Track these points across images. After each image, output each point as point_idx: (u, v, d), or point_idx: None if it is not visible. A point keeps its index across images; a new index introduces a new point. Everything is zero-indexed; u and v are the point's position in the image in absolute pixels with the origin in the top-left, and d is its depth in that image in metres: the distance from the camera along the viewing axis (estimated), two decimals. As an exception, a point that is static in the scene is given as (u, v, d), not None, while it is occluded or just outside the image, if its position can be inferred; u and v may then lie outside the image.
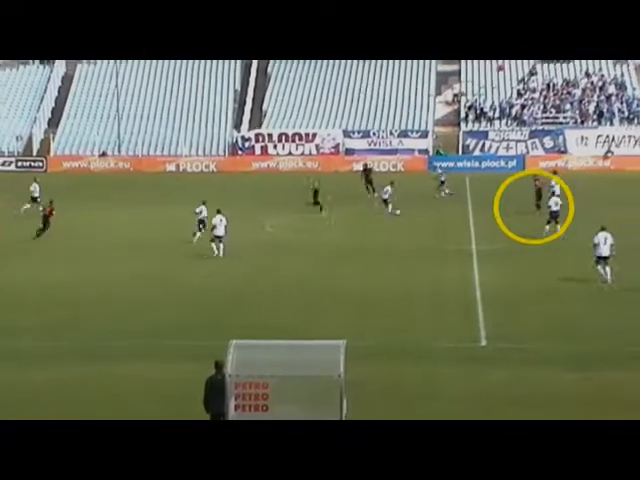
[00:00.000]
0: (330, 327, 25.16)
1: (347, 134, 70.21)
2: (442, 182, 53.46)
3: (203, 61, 77.45)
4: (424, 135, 69.85)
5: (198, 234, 36.66)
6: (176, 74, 76.79)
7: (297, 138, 70.15)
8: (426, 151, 69.15)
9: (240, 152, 70.25)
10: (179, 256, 35.50)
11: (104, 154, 70.35)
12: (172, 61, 77.67)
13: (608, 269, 29.90)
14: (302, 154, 69.49)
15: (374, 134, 70.03)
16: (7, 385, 20.82)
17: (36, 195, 44.43)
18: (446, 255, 35.94)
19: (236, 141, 70.59)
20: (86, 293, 29.80)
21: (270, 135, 70.35)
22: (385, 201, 45.11)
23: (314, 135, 70.15)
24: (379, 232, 40.98)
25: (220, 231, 34.48)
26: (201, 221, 37.01)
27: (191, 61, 77.50)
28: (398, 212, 44.26)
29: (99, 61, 78.22)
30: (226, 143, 71.28)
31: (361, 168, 56.47)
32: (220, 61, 77.52)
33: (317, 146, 69.88)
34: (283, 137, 70.22)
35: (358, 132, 70.47)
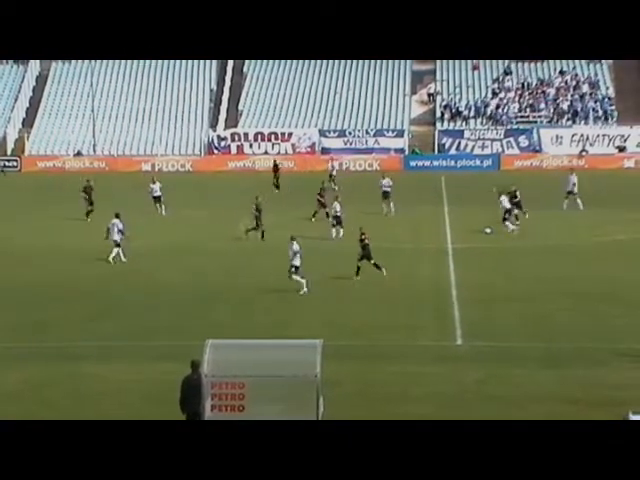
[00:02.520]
0: (304, 326, 25.15)
1: (323, 133, 70.23)
2: (331, 176, 53.94)
3: (179, 60, 77.20)
4: (400, 134, 69.99)
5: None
6: (152, 73, 76.53)
7: (273, 137, 70.10)
8: (402, 150, 69.28)
9: (216, 151, 70.11)
10: (156, 255, 35.37)
11: (79, 154, 69.97)
12: (148, 60, 77.41)
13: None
14: (278, 153, 69.40)
15: (350, 133, 70.09)
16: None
17: (158, 194, 43.84)
18: (421, 254, 36.02)
19: (212, 140, 70.44)
20: (55, 294, 29.62)
21: (246, 134, 70.25)
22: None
23: (290, 134, 70.13)
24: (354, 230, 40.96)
25: (115, 236, 34.00)
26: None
27: (167, 60, 77.29)
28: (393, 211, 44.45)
29: (74, 60, 77.84)
30: (202, 142, 71.10)
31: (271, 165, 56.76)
32: (196, 60, 77.32)
33: (293, 145, 69.87)
34: (259, 136, 70.15)
35: (334, 131, 70.51)
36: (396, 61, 76.37)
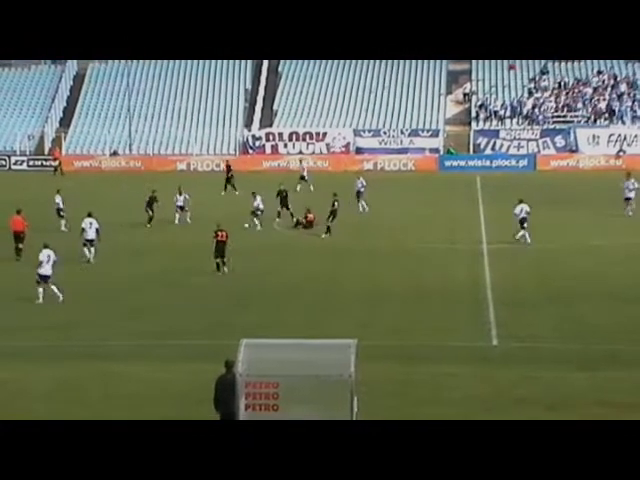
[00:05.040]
0: (340, 326, 25.14)
1: (357, 133, 70.15)
2: (302, 177, 54.24)
3: (214, 60, 77.52)
4: (435, 134, 69.75)
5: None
6: (187, 73, 76.87)
7: (307, 137, 70.14)
8: (437, 150, 69.04)
9: (251, 151, 70.28)
10: (184, 256, 35.51)
11: (115, 153, 70.47)
12: (183, 60, 77.81)
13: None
14: (312, 153, 69.45)
15: (385, 133, 69.96)
16: (12, 384, 20.85)
17: (180, 204, 43.20)
18: (457, 254, 35.88)
19: (247, 140, 70.63)
20: (93, 293, 29.83)
21: (281, 134, 70.35)
22: (358, 194, 45.07)
23: (324, 134, 70.13)
24: (388, 230, 40.95)
25: (91, 235, 33.77)
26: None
27: (202, 60, 77.62)
28: (367, 209, 44.37)
29: (110, 60, 78.43)
30: (237, 142, 71.32)
31: (224, 166, 56.90)
32: (231, 60, 77.57)
33: (327, 145, 69.85)
34: (294, 136, 70.22)
35: (369, 131, 70.42)
36: (432, 61, 76.10)
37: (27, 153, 70.47)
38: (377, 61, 76.51)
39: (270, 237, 39.38)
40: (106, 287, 30.55)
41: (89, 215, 34.50)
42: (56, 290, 27.80)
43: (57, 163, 66.66)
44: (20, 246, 34.41)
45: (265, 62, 76.61)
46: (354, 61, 76.48)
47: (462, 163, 67.28)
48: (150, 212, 41.33)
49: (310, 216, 41.12)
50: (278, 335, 20.77)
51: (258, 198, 41.79)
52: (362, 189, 46.20)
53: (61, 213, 40.03)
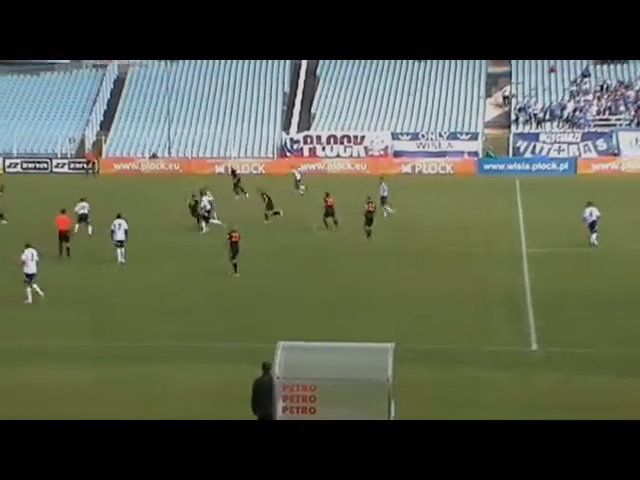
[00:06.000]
0: (377, 329, 25.02)
1: (396, 136, 69.99)
2: (298, 180, 54.62)
3: (252, 63, 77.76)
4: (474, 137, 69.40)
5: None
6: (226, 76, 77.21)
7: (345, 140, 70.12)
8: (476, 153, 68.69)
9: (288, 154, 70.38)
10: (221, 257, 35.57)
11: (154, 156, 70.91)
12: (222, 63, 78.12)
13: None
14: (350, 156, 69.42)
15: (423, 136, 69.74)
16: (52, 385, 20.97)
17: (208, 211, 43.04)
18: (495, 257, 35.60)
19: (285, 143, 70.74)
20: (128, 294, 29.97)
21: (319, 137, 70.39)
22: (383, 200, 44.91)
23: (362, 137, 70.06)
24: (426, 233, 40.75)
25: (119, 236, 33.98)
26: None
27: (241, 63, 77.92)
28: (392, 210, 44.20)
29: (150, 63, 78.97)
30: (275, 145, 71.46)
31: (230, 172, 56.90)
32: (269, 63, 77.76)
33: (366, 148, 69.77)
34: (331, 139, 70.23)
35: (407, 134, 70.23)
36: (471, 63, 75.75)
37: (68, 156, 71.15)
38: (415, 63, 76.31)
39: (303, 238, 39.35)
40: (139, 288, 30.67)
41: (118, 216, 34.76)
42: (38, 289, 27.85)
43: (91, 166, 67.24)
44: (67, 245, 34.88)
45: (303, 65, 76.71)
46: (392, 64, 76.33)
47: (501, 166, 66.87)
48: (200, 217, 41.36)
49: (330, 200, 40.86)
50: (313, 338, 20.70)
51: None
52: (385, 194, 45.69)
53: (87, 220, 40.09)
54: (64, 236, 35.04)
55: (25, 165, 69.94)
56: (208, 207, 41.65)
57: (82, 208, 40.19)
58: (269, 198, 43.50)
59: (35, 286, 27.89)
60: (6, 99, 77.14)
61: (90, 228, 39.85)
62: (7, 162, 69.98)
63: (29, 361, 22.70)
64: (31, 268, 27.92)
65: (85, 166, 68.03)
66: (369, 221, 39.04)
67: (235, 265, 31.95)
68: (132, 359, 22.98)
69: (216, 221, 41.87)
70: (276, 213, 43.13)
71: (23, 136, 72.52)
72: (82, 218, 39.97)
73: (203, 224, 41.10)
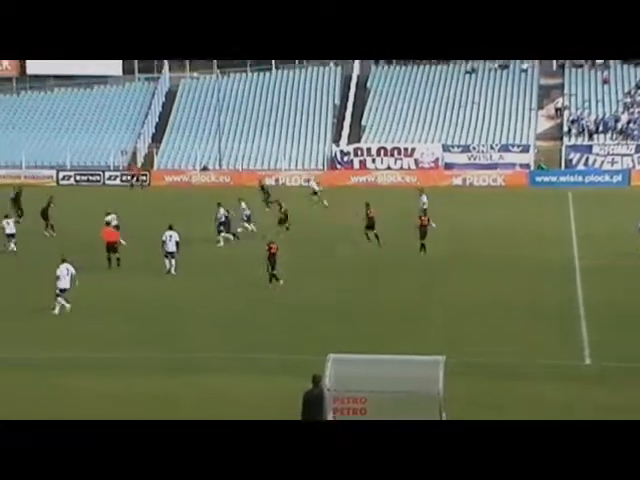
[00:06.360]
0: (426, 342, 24.82)
1: (447, 148, 69.67)
2: (315, 192, 54.82)
3: (303, 75, 78.03)
4: (525, 149, 68.84)
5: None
6: (276, 89, 77.53)
7: (396, 152, 69.95)
8: (527, 166, 68.12)
9: (339, 166, 70.39)
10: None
11: (205, 168, 71.37)
12: (272, 75, 78.50)
13: None
14: (401, 168, 69.25)
15: (474, 148, 69.33)
16: (99, 395, 21.08)
17: (221, 223, 43.26)
18: (548, 270, 35.20)
19: (335, 155, 70.77)
20: (178, 305, 30.09)
21: (369, 149, 70.32)
22: (424, 212, 44.48)
23: (413, 149, 69.85)
24: (478, 244, 40.42)
25: (171, 247, 34.21)
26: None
27: (291, 75, 78.24)
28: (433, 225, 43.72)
29: (202, 76, 79.63)
30: (325, 157, 71.52)
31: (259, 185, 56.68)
32: (320, 75, 77.98)
33: (416, 160, 69.54)
34: (382, 151, 70.11)
35: (458, 146, 69.87)
36: (522, 75, 75.28)
37: (120, 168, 71.89)
38: (466, 75, 75.97)
39: (348, 250, 39.25)
40: (188, 299, 30.79)
41: (170, 228, 35.08)
42: (64, 302, 28.32)
43: (135, 179, 67.75)
44: (117, 256, 35.25)
45: (354, 77, 76.76)
46: (444, 75, 76.09)
47: (553, 179, 66.23)
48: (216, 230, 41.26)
49: (371, 212, 40.17)
50: (363, 350, 20.57)
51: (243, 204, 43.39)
52: (425, 206, 45.29)
53: (118, 231, 40.38)
54: (111, 248, 35.43)
55: (78, 177, 70.79)
56: (222, 219, 41.33)
57: (113, 219, 40.75)
58: (285, 210, 43.30)
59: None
60: (60, 113, 78.23)
61: (122, 241, 40.39)
62: (60, 174, 70.89)
63: (84, 372, 22.85)
64: (65, 283, 28.38)
65: (129, 179, 68.57)
66: (423, 235, 38.61)
67: (275, 275, 32.02)
68: (182, 370, 23.04)
69: (239, 229, 42.26)
70: (287, 228, 42.54)
71: (76, 149, 73.46)
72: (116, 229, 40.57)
73: (220, 237, 40.67)
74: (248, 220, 43.93)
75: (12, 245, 39.45)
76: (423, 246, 38.37)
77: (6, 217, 40.32)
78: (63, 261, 28.84)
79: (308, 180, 61.17)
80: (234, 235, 41.92)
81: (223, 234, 41.21)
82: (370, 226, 40.44)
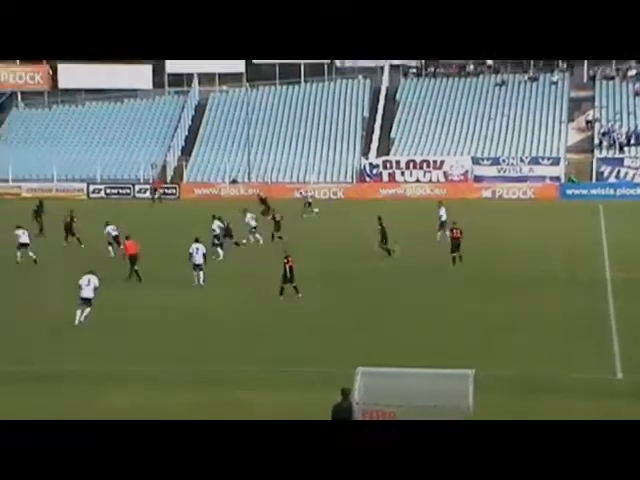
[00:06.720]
0: (455, 355, 24.64)
1: (476, 161, 69.42)
2: (309, 204, 54.96)
3: (332, 88, 78.12)
4: (556, 162, 68.43)
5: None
6: (305, 101, 77.67)
7: (425, 165, 69.79)
8: (558, 178, 67.70)
9: (368, 179, 70.32)
10: (307, 281, 35.58)
11: (235, 181, 71.54)
12: (302, 89, 78.67)
13: None
14: (430, 181, 69.07)
15: (504, 161, 69.02)
16: (147, 409, 21.09)
17: (254, 224, 44.14)
18: (578, 283, 34.88)
19: (364, 168, 70.71)
20: (206, 318, 30.11)
21: (398, 162, 70.21)
22: (442, 225, 44.16)
23: (442, 162, 69.65)
24: (508, 258, 40.16)
25: (198, 260, 34.28)
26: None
27: (320, 88, 78.36)
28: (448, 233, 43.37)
29: (231, 89, 79.95)
30: (354, 170, 71.48)
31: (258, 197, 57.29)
32: (349, 88, 78.03)
33: (445, 173, 69.33)
34: (411, 164, 69.97)
35: (487, 159, 69.58)
36: (553, 87, 74.93)
37: (150, 181, 72.22)
38: (496, 88, 75.72)
39: (384, 261, 39.13)
40: (215, 312, 30.79)
41: (196, 240, 35.22)
42: (82, 317, 28.39)
43: (157, 193, 67.88)
44: (136, 268, 35.43)
45: (383, 90, 76.75)
46: (472, 87, 75.89)
47: (584, 192, 65.76)
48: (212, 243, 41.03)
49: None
50: (392, 363, 20.44)
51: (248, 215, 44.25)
52: (443, 218, 44.78)
53: (119, 242, 40.66)
54: (133, 260, 35.64)
55: (108, 191, 71.20)
56: (217, 232, 40.81)
57: (113, 230, 41.38)
58: (278, 221, 44.72)
59: (79, 312, 28.44)
60: (90, 126, 78.79)
61: (110, 249, 41.00)
62: (91, 188, 71.33)
63: (117, 386, 22.85)
64: (85, 292, 28.59)
65: (151, 193, 68.75)
66: (455, 247, 38.28)
67: (296, 287, 32.06)
68: (210, 384, 23.01)
69: (244, 241, 42.45)
70: (280, 237, 44.14)
71: (107, 162, 73.92)
72: (114, 240, 40.95)
73: (219, 250, 40.00)
74: (254, 232, 44.08)
75: (30, 253, 39.71)
76: (454, 259, 38.14)
77: (19, 227, 40.62)
78: (89, 272, 29.10)
79: (306, 191, 61.09)
80: (236, 244, 42.00)
81: (219, 249, 40.27)
82: (385, 239, 40.25)
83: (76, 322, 28.36)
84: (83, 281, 28.74)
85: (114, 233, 41.29)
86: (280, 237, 44.20)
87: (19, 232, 40.30)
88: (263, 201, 55.06)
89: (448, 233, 39.03)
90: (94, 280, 28.80)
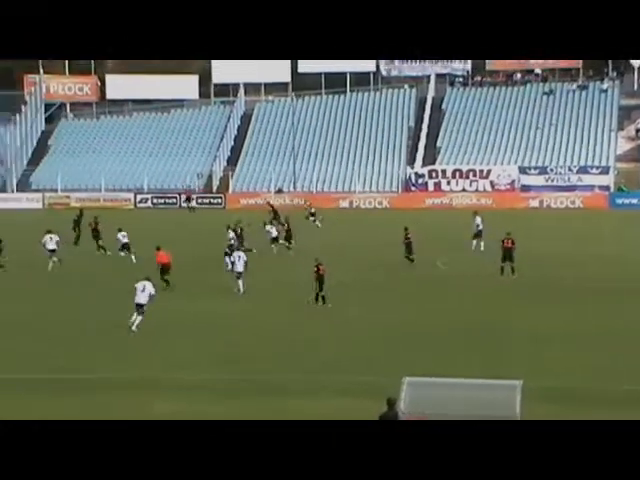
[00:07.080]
0: (504, 366, 24.30)
1: (523, 170, 68.84)
2: (312, 214, 54.95)
3: (378, 98, 78.00)
4: (605, 171, 67.63)
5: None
6: (351, 111, 77.63)
7: (471, 174, 69.36)
8: (607, 187, 66.88)
9: (413, 188, 70.03)
10: (347, 290, 35.39)
11: (280, 190, 71.67)
12: (347, 98, 78.64)
13: None
14: (476, 190, 68.62)
15: (551, 170, 68.37)
16: (188, 417, 21.04)
17: (274, 234, 44.44)
18: (628, 293, 34.30)
19: (409, 177, 70.45)
20: (247, 326, 30.06)
21: (444, 171, 69.87)
22: (478, 234, 43.63)
23: (489, 171, 69.17)
24: (559, 268, 39.65)
25: (239, 268, 34.35)
26: None
27: (366, 98, 78.27)
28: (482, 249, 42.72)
29: (276, 99, 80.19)
30: (399, 179, 71.25)
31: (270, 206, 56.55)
32: (394, 97, 77.86)
33: (492, 182, 68.80)
34: (457, 173, 69.59)
35: (535, 168, 68.98)
36: (602, 95, 74.09)
37: (196, 191, 72.61)
38: (544, 96, 75.06)
39: (427, 272, 38.86)
40: (256, 320, 30.72)
41: (238, 249, 35.45)
42: (134, 325, 28.45)
43: (188, 202, 68.17)
44: (166, 277, 35.61)
45: (429, 99, 76.48)
46: (520, 97, 75.32)
47: (635, 201, 64.88)
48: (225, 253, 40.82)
49: (409, 236, 39.88)
50: (438, 373, 20.17)
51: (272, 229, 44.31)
52: (479, 227, 44.24)
53: (129, 248, 40.95)
54: (165, 269, 35.78)
55: (155, 200, 71.72)
56: (231, 242, 40.43)
57: (124, 237, 41.79)
58: (289, 230, 44.57)
59: (133, 319, 28.54)
60: (138, 136, 79.51)
61: (133, 257, 40.90)
62: (138, 197, 71.92)
63: (164, 394, 22.84)
64: (139, 298, 28.66)
65: (184, 203, 68.99)
66: (508, 257, 37.63)
67: (323, 297, 31.97)
68: (262, 392, 22.92)
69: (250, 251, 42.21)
70: (288, 246, 43.84)
71: (153, 172, 74.48)
72: (124, 247, 41.07)
73: (227, 259, 38.95)
74: (275, 241, 43.97)
75: (54, 258, 39.97)
76: (502, 268, 37.69)
77: (49, 232, 40.85)
78: (145, 279, 29.17)
79: (306, 201, 61.21)
80: (247, 250, 41.46)
81: (228, 258, 38.94)
82: (409, 250, 39.93)
83: (132, 327, 28.38)
84: (139, 286, 28.75)
85: (124, 240, 41.65)
86: (288, 247, 43.62)
87: (47, 238, 40.46)
88: (272, 208, 55.09)
89: (504, 242, 38.36)
90: (149, 287, 28.75)
